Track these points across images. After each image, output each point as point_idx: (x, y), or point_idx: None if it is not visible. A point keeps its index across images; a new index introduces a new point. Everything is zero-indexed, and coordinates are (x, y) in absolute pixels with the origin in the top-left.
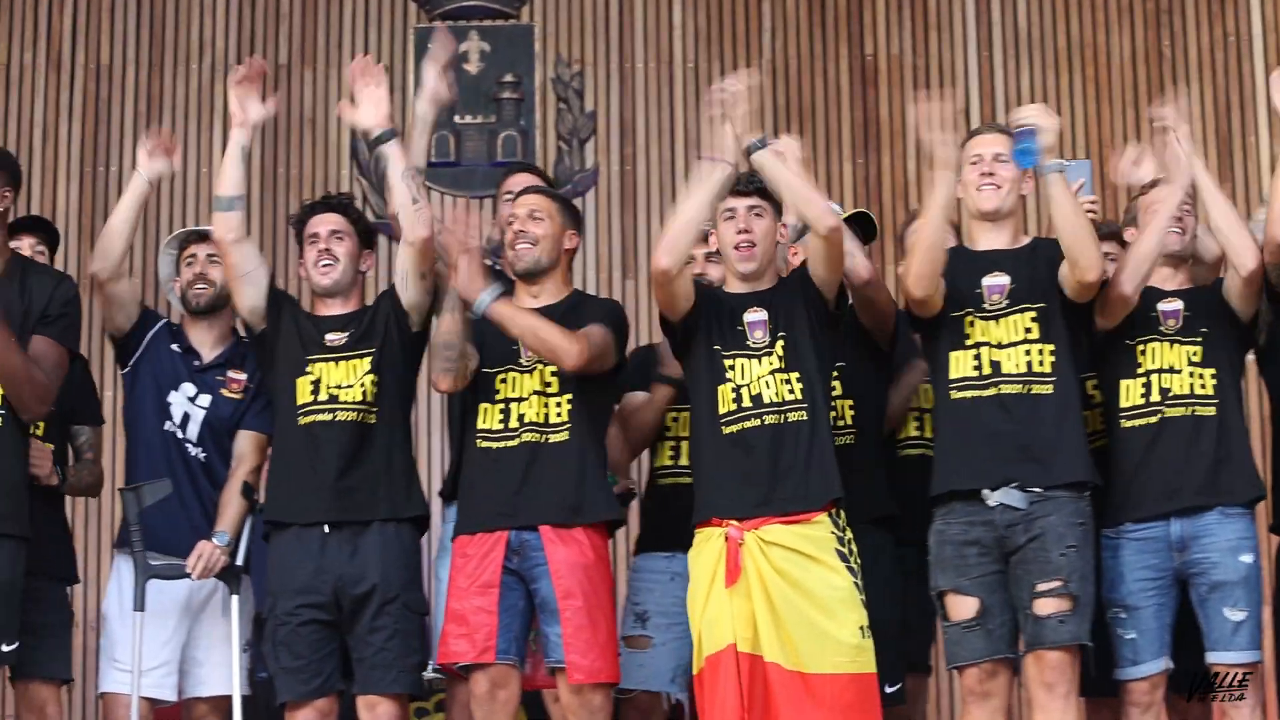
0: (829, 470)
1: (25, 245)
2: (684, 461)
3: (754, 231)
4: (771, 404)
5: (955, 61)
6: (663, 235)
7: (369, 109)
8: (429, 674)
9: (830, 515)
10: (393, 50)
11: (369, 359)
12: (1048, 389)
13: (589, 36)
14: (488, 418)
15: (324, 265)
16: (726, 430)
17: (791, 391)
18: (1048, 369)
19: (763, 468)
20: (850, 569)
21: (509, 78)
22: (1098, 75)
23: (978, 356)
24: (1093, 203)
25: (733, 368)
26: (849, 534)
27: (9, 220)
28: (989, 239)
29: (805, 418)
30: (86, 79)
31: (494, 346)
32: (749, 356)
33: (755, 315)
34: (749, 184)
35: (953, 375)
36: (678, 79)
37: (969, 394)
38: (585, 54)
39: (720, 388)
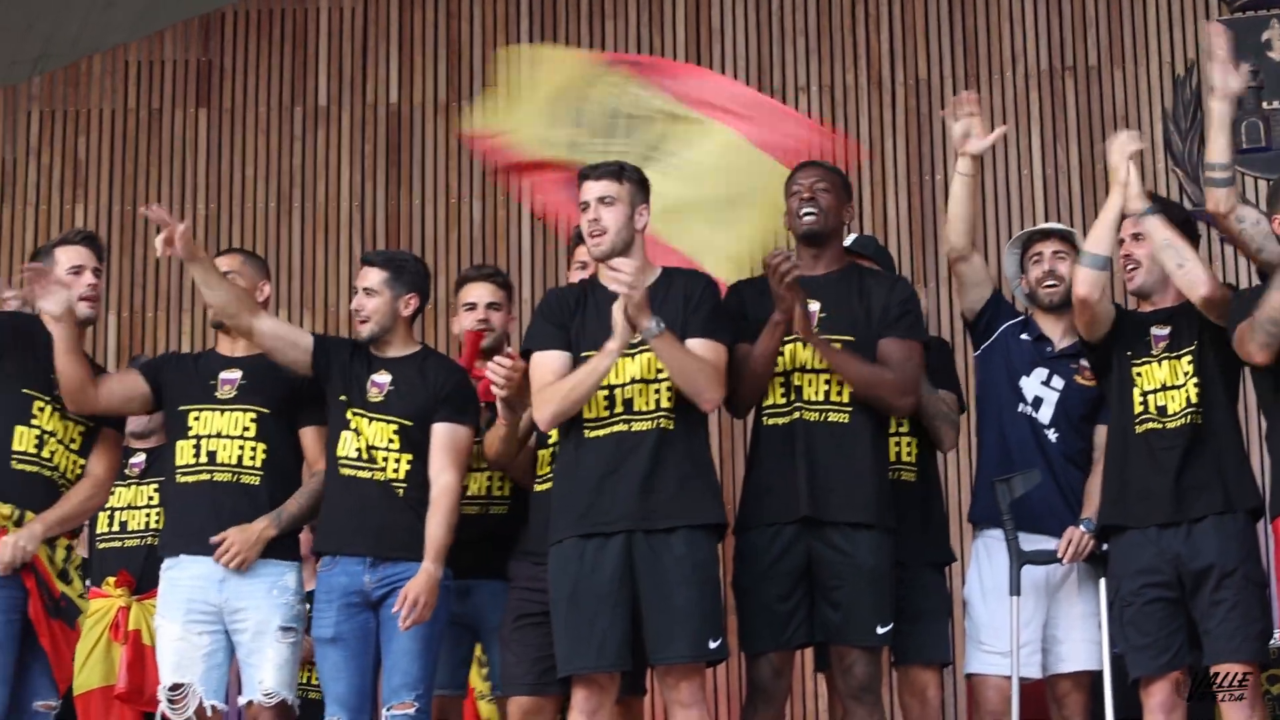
0: None
1: None
2: None
3: None
4: None
5: None
6: None
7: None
8: (1275, 643)
9: None
10: (1198, 46)
11: (1188, 358)
12: None
13: None
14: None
15: (1130, 270)
16: None
17: None
18: None
19: None
20: None
21: None
22: None
23: None
24: None
25: None
26: None
27: None
28: None
29: None
30: (907, 95)
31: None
32: None
33: None
34: None
35: None
36: None
37: None
38: None
39: None
